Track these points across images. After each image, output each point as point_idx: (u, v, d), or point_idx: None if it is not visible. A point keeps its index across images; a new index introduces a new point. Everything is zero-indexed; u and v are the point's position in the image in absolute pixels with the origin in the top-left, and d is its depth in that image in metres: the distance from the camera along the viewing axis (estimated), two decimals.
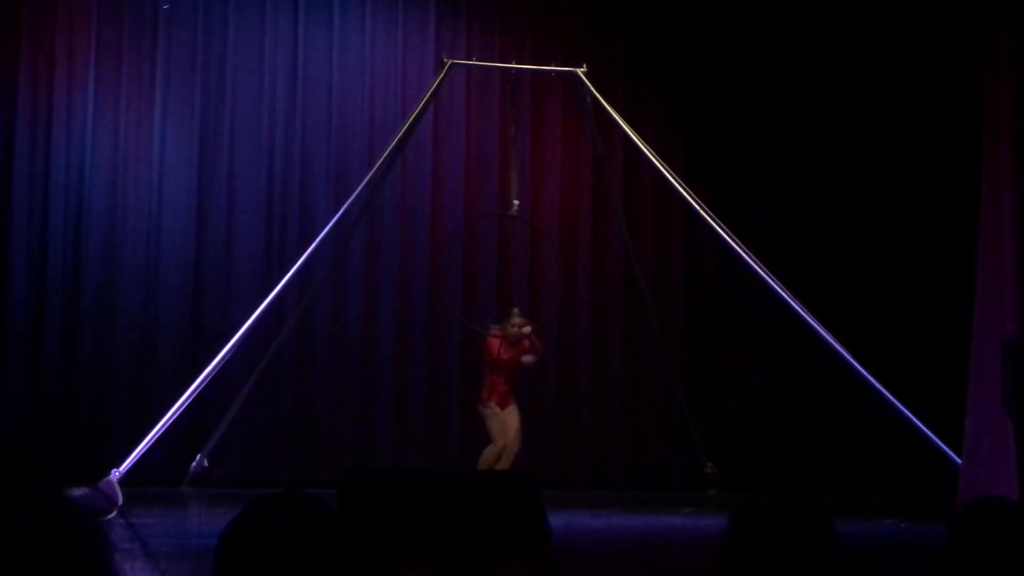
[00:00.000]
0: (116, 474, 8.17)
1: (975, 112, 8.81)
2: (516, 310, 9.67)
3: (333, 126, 11.02)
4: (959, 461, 8.72)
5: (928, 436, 9.25)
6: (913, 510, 8.68)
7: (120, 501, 7.86)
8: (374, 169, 9.95)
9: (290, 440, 10.63)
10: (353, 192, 9.94)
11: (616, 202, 10.92)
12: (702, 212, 9.82)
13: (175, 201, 10.68)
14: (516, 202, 10.13)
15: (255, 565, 1.69)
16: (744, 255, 9.68)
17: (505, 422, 9.32)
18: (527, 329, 9.46)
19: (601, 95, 10.15)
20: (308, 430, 10.68)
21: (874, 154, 11.34)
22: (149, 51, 10.75)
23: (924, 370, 10.40)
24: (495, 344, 9.39)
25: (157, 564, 6.19)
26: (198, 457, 9.60)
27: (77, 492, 7.49)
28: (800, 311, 9.58)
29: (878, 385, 9.37)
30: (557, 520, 6.83)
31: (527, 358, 9.54)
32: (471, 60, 10.85)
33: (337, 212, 9.92)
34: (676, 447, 11.11)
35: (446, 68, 10.14)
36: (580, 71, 10.20)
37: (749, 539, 2.08)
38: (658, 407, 11.22)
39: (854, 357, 9.44)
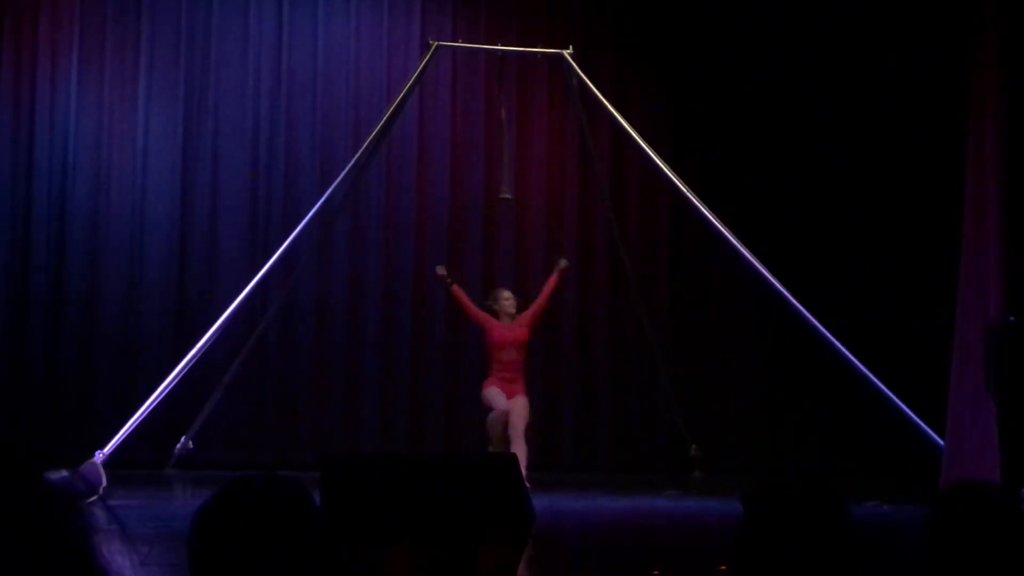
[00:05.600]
0: (100, 456, 8.15)
1: (959, 99, 8.86)
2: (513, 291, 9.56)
3: (318, 109, 10.98)
4: (942, 443, 8.75)
5: (911, 418, 9.28)
6: (895, 492, 8.71)
7: (104, 483, 7.84)
8: (359, 152, 9.92)
9: (274, 423, 10.62)
10: (338, 175, 9.90)
11: (602, 185, 10.91)
12: (688, 195, 9.81)
13: (159, 186, 10.64)
14: (506, 189, 10.04)
15: (229, 545, 1.69)
16: (730, 238, 9.68)
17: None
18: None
19: (587, 77, 10.12)
20: (293, 413, 10.67)
21: (861, 138, 11.33)
22: (133, 36, 10.69)
23: (907, 352, 10.42)
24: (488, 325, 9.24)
25: (139, 546, 6.18)
26: (183, 439, 9.59)
27: (57, 475, 7.46)
28: (784, 294, 9.58)
29: (861, 367, 9.39)
30: (541, 502, 6.84)
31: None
32: (457, 42, 10.80)
33: (322, 196, 9.89)
34: (661, 430, 11.14)
35: (432, 50, 10.10)
36: (566, 53, 10.16)
37: (766, 524, 2.09)
38: (643, 390, 11.23)
39: (838, 339, 9.46)
